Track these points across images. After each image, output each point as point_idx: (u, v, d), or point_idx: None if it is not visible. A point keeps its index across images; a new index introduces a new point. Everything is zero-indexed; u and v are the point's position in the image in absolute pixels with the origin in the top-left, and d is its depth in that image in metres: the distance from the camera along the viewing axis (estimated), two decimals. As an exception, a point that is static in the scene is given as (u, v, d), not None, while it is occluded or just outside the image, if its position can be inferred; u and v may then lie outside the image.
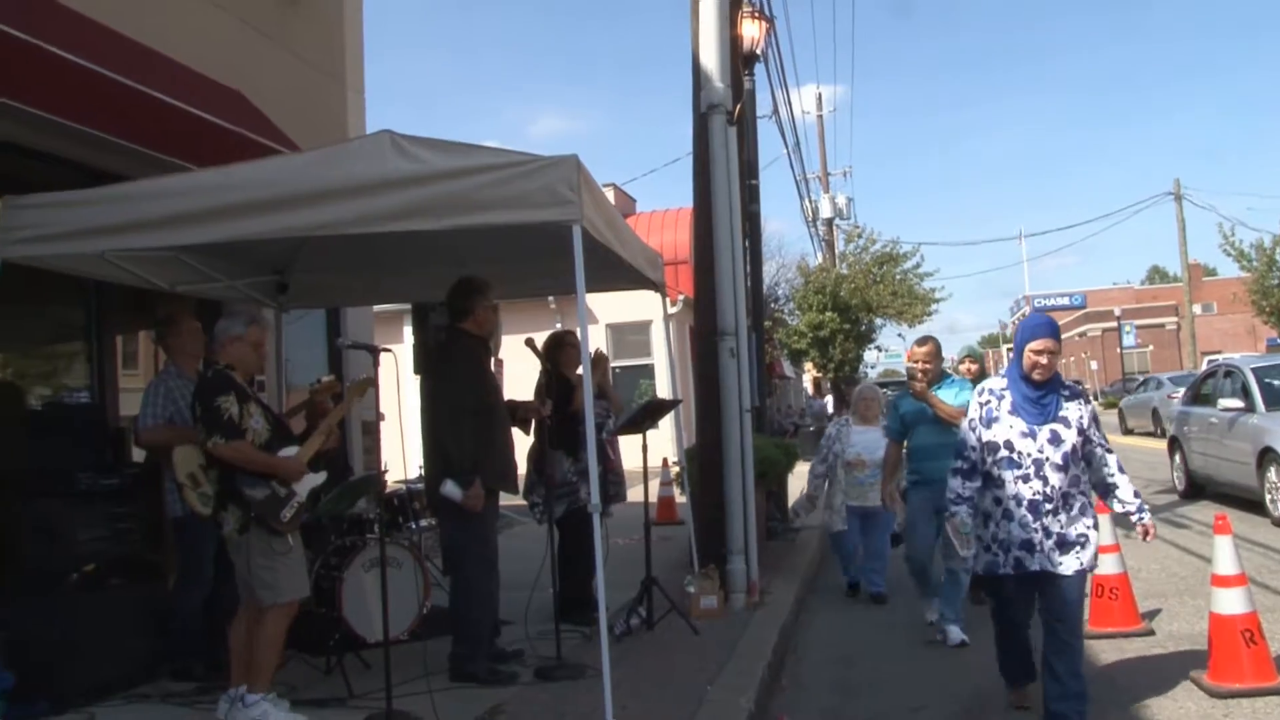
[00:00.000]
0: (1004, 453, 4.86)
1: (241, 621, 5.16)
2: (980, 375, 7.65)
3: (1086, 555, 4.82)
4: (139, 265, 6.38)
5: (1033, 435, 4.81)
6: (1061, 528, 4.78)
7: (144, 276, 6.53)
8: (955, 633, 6.69)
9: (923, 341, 7.15)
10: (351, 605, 6.18)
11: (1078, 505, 4.84)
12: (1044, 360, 4.79)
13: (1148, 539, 4.92)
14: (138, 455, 6.82)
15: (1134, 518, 4.90)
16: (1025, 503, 4.79)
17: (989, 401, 4.97)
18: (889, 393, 13.14)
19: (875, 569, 8.37)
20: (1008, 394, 4.92)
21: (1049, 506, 4.78)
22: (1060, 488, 4.79)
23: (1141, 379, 36.55)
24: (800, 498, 12.30)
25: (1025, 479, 4.81)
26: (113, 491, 5.97)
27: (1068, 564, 4.78)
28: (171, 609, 6.04)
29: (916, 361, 7.06)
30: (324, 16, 9.85)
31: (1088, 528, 4.82)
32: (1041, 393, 4.85)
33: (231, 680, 5.13)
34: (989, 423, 4.92)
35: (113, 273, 6.32)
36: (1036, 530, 4.78)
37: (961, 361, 8.40)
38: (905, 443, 7.10)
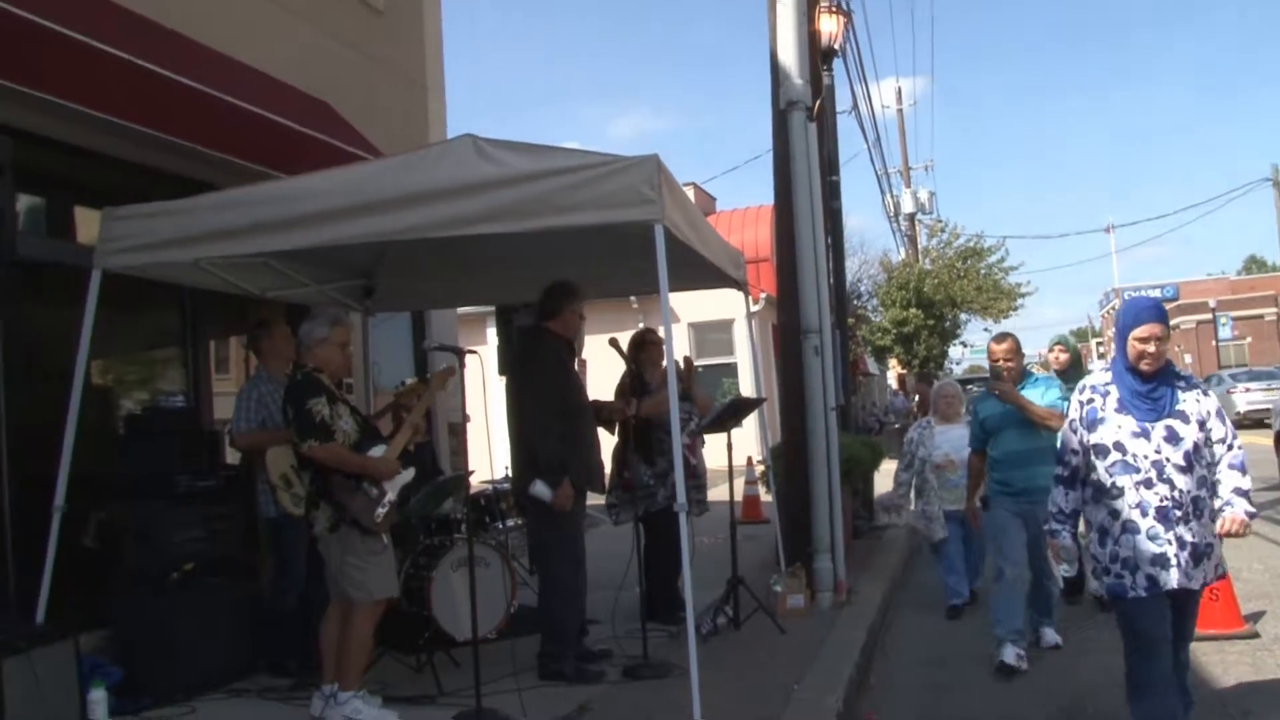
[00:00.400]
0: (1115, 456, 4.19)
1: (332, 620, 5.24)
2: (1072, 367, 7.28)
3: (1215, 566, 4.27)
4: (231, 272, 6.53)
5: (1145, 434, 4.16)
6: (1194, 537, 4.12)
7: (235, 283, 6.69)
8: (1050, 634, 6.39)
9: (1001, 338, 6.56)
10: (440, 604, 6.25)
11: (1207, 511, 4.17)
12: (1152, 348, 4.14)
13: (1230, 533, 4.12)
14: (231, 457, 7.00)
15: (1221, 506, 4.14)
16: (1152, 511, 4.11)
17: (1092, 399, 4.32)
18: (974, 388, 12.93)
19: (974, 571, 7.95)
20: (1113, 389, 4.27)
21: (1179, 514, 4.10)
22: (1189, 491, 4.12)
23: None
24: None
25: (1148, 484, 4.13)
26: (209, 493, 6.12)
27: (1201, 577, 4.18)
28: (266, 607, 6.19)
29: (997, 360, 6.44)
30: (405, 25, 10.00)
31: (1214, 535, 4.18)
32: (1152, 385, 4.19)
33: (324, 677, 5.22)
34: (1092, 424, 4.27)
35: (206, 280, 6.48)
36: (1169, 542, 4.10)
37: (1051, 350, 7.73)
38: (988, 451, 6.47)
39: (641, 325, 7.76)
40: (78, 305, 5.62)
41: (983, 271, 31.36)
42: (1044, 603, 6.43)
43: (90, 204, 6.63)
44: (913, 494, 8.19)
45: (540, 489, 5.73)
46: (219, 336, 8.21)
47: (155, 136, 6.12)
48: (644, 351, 7.09)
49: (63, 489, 5.54)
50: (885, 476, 10.41)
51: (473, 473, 5.70)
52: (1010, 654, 6.04)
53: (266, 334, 6.37)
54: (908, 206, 33.11)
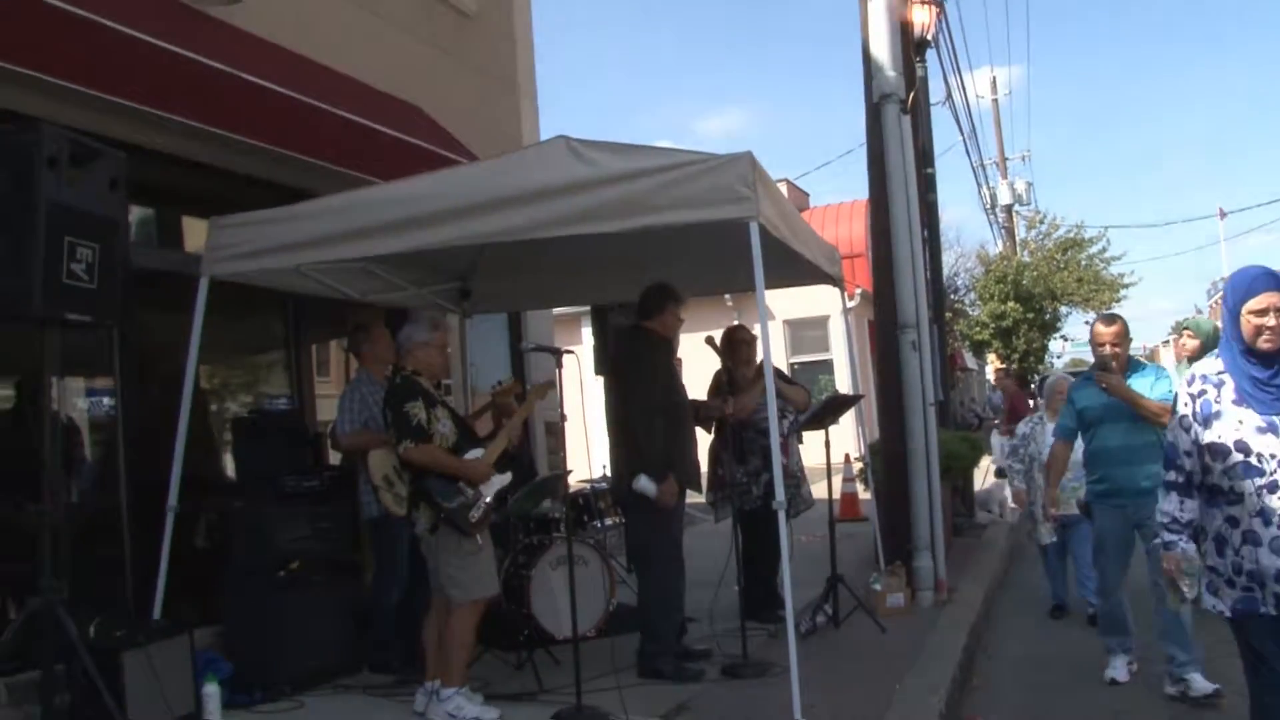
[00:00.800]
0: (1237, 457, 3.54)
1: (434, 618, 5.31)
2: (1204, 353, 6.39)
3: None
4: (331, 277, 6.67)
5: (1273, 429, 3.50)
6: None
7: (336, 287, 6.83)
8: (1200, 681, 5.34)
9: (1109, 320, 5.83)
10: (540, 602, 6.31)
11: None
12: (1271, 321, 3.50)
13: None
14: (334, 458, 7.15)
15: None
16: (1276, 519, 3.47)
17: (1204, 391, 3.66)
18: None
19: (1089, 576, 7.13)
20: (1228, 379, 3.63)
21: None
22: None
23: None
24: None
25: (1272, 488, 3.48)
26: (313, 493, 6.23)
27: None
28: (370, 605, 6.30)
29: (1104, 344, 5.66)
30: (496, 28, 10.11)
31: None
32: (1274, 370, 3.55)
33: (427, 674, 5.30)
34: (1207, 420, 3.62)
35: (308, 285, 6.63)
36: None
37: (1179, 335, 7.03)
38: (1082, 444, 5.92)
39: (737, 323, 7.71)
40: (187, 312, 5.80)
41: (1083, 263, 30.68)
42: (1175, 633, 5.38)
43: (197, 214, 6.85)
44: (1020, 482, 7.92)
45: (645, 484, 5.74)
46: (320, 340, 8.39)
47: (258, 147, 6.29)
48: (735, 349, 7.06)
49: (175, 490, 5.73)
50: (985, 473, 10.26)
51: (570, 472, 5.73)
52: (1120, 669, 5.78)
53: (366, 337, 6.49)
54: (1004, 198, 32.46)
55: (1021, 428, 8.07)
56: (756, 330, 6.01)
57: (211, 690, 5.34)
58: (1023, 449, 7.82)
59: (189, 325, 5.76)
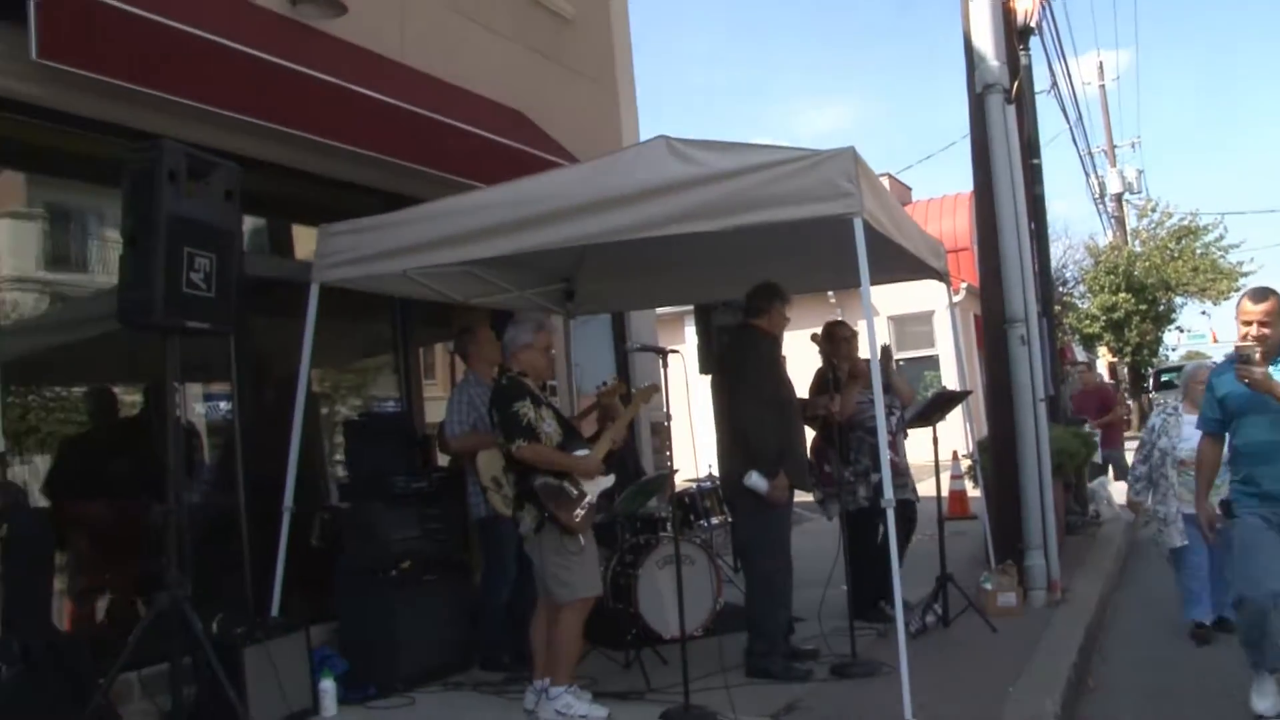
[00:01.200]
0: None
1: (541, 616, 5.35)
2: None
3: None
4: (437, 281, 6.78)
5: None
6: None
7: (442, 291, 6.94)
8: None
9: (1260, 295, 4.86)
10: (647, 601, 6.33)
11: None
12: None
13: None
14: (442, 459, 7.26)
15: None
16: None
17: None
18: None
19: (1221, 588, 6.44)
20: None
21: None
22: None
23: None
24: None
25: None
26: (423, 494, 6.34)
27: None
28: (479, 603, 6.39)
29: (1250, 323, 4.77)
30: (594, 31, 10.16)
31: None
32: None
33: (536, 672, 5.35)
34: None
35: (414, 289, 6.76)
36: None
37: None
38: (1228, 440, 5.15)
39: (839, 316, 7.63)
40: (299, 318, 5.95)
41: (1199, 251, 29.77)
42: None
43: (306, 222, 7.01)
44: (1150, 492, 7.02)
45: (756, 480, 5.71)
46: (427, 343, 8.53)
47: (364, 155, 6.42)
48: (836, 345, 6.98)
49: (290, 491, 5.88)
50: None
51: (676, 471, 5.75)
52: (1266, 701, 4.98)
53: (472, 339, 6.58)
54: (1114, 187, 31.66)
55: (1152, 419, 7.10)
56: (859, 326, 5.95)
57: (327, 686, 5.49)
58: (1149, 442, 6.86)
59: (301, 331, 5.92)
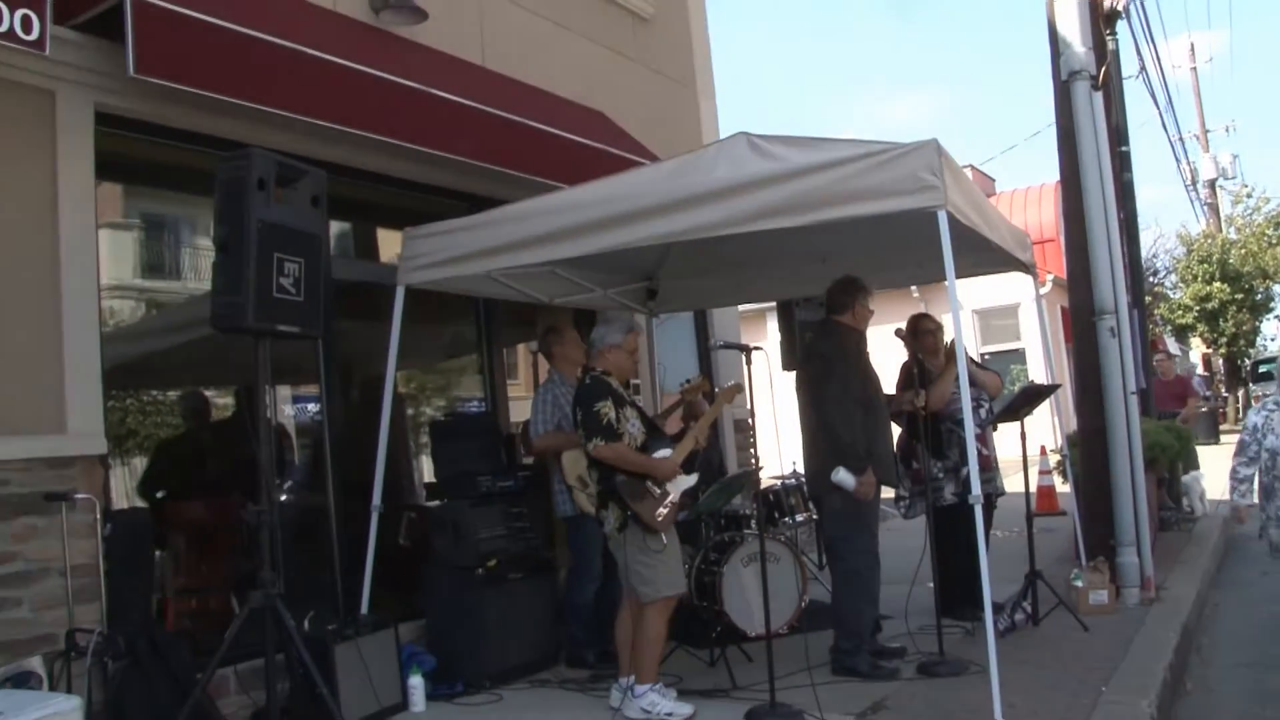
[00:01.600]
0: None
1: (626, 615, 5.38)
2: None
3: None
4: (520, 281, 6.84)
5: None
6: None
7: (525, 291, 7.00)
8: None
9: None
10: (731, 599, 6.32)
11: None
12: None
13: None
14: (525, 458, 7.33)
15: None
16: None
17: None
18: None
19: None
20: None
21: None
22: None
23: None
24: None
25: None
26: (508, 493, 6.40)
27: None
28: (564, 601, 6.45)
29: None
30: (673, 29, 10.17)
31: None
32: None
33: (621, 670, 5.38)
34: None
35: (498, 290, 6.83)
36: None
37: None
38: None
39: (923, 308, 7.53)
40: (384, 320, 6.05)
41: (1298, 237, 28.84)
42: None
43: (391, 226, 7.13)
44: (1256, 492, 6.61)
45: (843, 476, 5.66)
46: (510, 343, 8.61)
47: (447, 159, 6.50)
48: (920, 339, 6.89)
49: (379, 490, 5.97)
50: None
51: (761, 469, 5.72)
52: None
53: (558, 339, 6.62)
54: (1207, 173, 30.78)
55: (1251, 417, 6.62)
56: (943, 320, 5.87)
57: (416, 682, 5.58)
58: (1254, 441, 6.32)
59: (387, 332, 6.01)
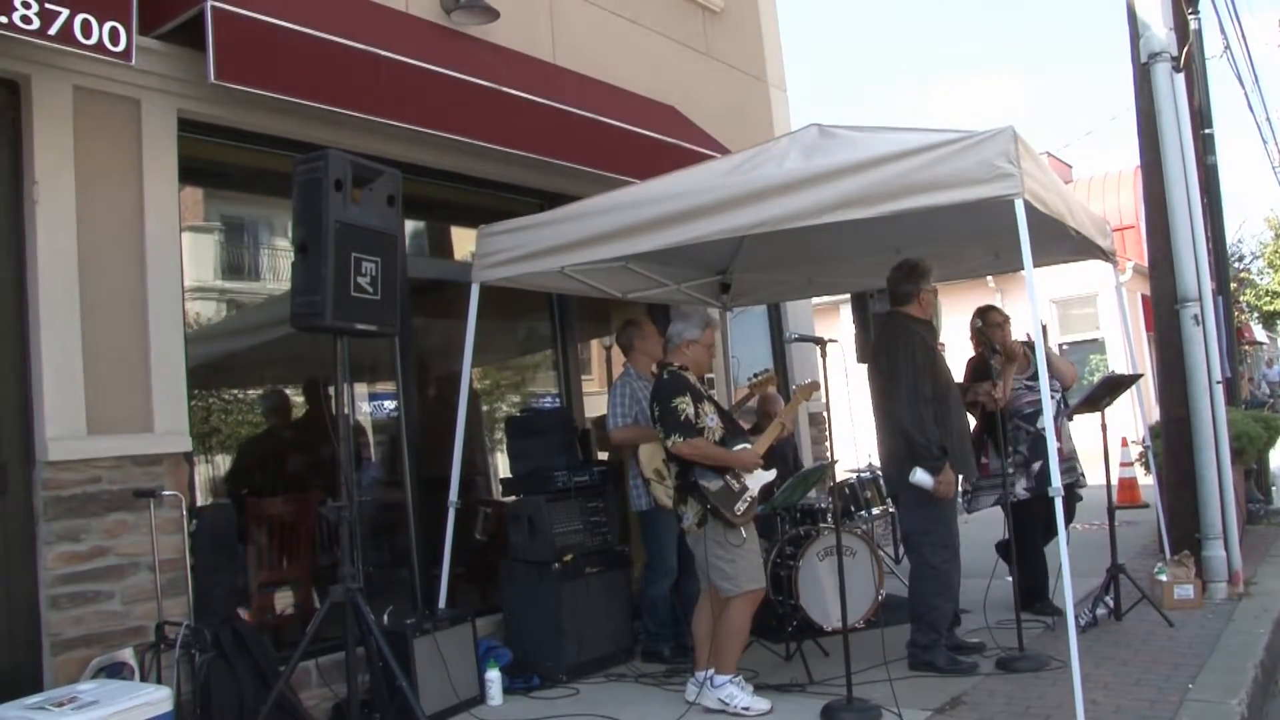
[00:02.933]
0: None
1: (703, 608, 5.38)
2: None
3: None
4: (594, 277, 6.87)
5: None
6: None
7: (599, 287, 7.03)
8: None
9: None
10: (807, 593, 6.30)
11: None
12: None
13: None
14: (599, 452, 7.37)
15: None
16: None
17: None
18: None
19: None
20: None
21: None
22: None
23: None
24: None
25: None
26: (584, 488, 6.42)
27: None
28: (640, 595, 6.47)
29: None
30: (744, 22, 10.14)
31: None
32: None
33: (697, 664, 5.38)
34: None
35: (572, 286, 6.86)
36: None
37: None
38: None
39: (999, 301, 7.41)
40: (460, 317, 6.11)
41: (1392, 220, 27.93)
42: None
43: (465, 223, 7.20)
44: None
45: (921, 477, 5.58)
46: (583, 339, 8.65)
47: (521, 156, 6.54)
48: (989, 332, 6.75)
49: (455, 486, 6.05)
50: None
51: (836, 462, 5.68)
52: None
53: (639, 333, 6.61)
54: (1295, 153, 29.86)
55: None
56: (1017, 310, 5.76)
57: (493, 676, 5.64)
58: None
59: (462, 329, 6.08)
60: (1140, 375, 7.36)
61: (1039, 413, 6.38)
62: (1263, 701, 5.25)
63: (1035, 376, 6.41)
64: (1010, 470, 6.53)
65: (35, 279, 4.73)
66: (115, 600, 4.79)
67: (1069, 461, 6.68)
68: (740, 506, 5.12)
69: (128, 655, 4.65)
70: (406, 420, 6.47)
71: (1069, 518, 6.58)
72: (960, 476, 5.91)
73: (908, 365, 5.71)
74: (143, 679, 4.60)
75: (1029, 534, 6.59)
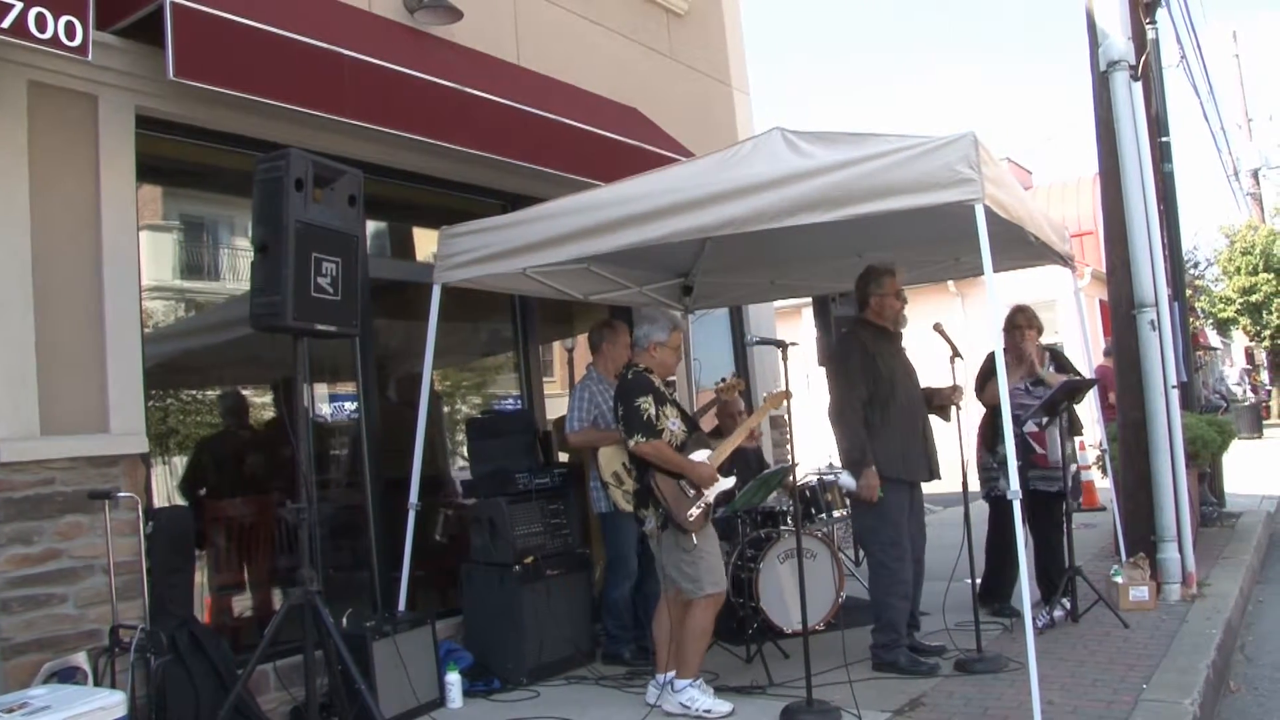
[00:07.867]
0: None
1: (663, 611, 5.37)
2: None
3: None
4: (556, 279, 6.85)
5: None
6: None
7: (561, 289, 7.01)
8: None
9: None
10: (768, 595, 6.32)
11: None
12: None
13: None
14: (562, 455, 7.35)
15: None
16: None
17: None
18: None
19: None
20: None
21: None
22: None
23: None
24: None
25: None
26: (545, 490, 6.41)
27: None
28: (600, 598, 6.46)
29: None
30: (707, 25, 10.16)
31: None
32: None
33: (658, 666, 5.38)
34: None
35: (534, 288, 6.84)
36: None
37: None
38: None
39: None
40: (421, 318, 6.08)
41: (1345, 227, 28.41)
42: None
43: (428, 225, 7.17)
44: None
45: (845, 480, 5.78)
46: (545, 341, 8.63)
47: (483, 157, 6.51)
48: (1010, 334, 6.92)
49: (416, 488, 6.01)
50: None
51: (797, 465, 5.70)
52: None
53: (611, 334, 6.57)
54: (1250, 162, 30.32)
55: None
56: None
57: (453, 678, 5.61)
58: None
59: (424, 331, 6.04)
60: (1097, 380, 7.44)
61: (1025, 418, 6.49)
62: (1215, 701, 5.31)
63: (1038, 382, 6.52)
64: (994, 466, 6.63)
65: (-12, 277, 4.65)
66: (69, 604, 4.71)
67: (1054, 470, 6.72)
68: (693, 512, 5.11)
69: (81, 660, 4.58)
70: (367, 421, 6.43)
71: (1067, 522, 6.68)
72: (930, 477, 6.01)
73: (841, 369, 5.87)
74: (97, 683, 4.53)
75: (996, 533, 6.79)
